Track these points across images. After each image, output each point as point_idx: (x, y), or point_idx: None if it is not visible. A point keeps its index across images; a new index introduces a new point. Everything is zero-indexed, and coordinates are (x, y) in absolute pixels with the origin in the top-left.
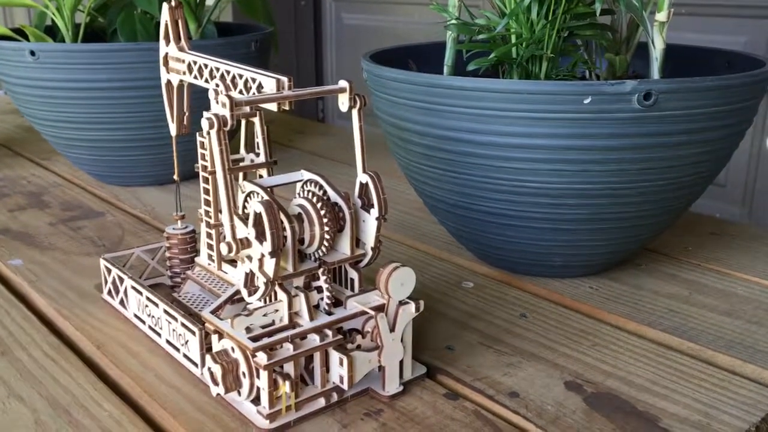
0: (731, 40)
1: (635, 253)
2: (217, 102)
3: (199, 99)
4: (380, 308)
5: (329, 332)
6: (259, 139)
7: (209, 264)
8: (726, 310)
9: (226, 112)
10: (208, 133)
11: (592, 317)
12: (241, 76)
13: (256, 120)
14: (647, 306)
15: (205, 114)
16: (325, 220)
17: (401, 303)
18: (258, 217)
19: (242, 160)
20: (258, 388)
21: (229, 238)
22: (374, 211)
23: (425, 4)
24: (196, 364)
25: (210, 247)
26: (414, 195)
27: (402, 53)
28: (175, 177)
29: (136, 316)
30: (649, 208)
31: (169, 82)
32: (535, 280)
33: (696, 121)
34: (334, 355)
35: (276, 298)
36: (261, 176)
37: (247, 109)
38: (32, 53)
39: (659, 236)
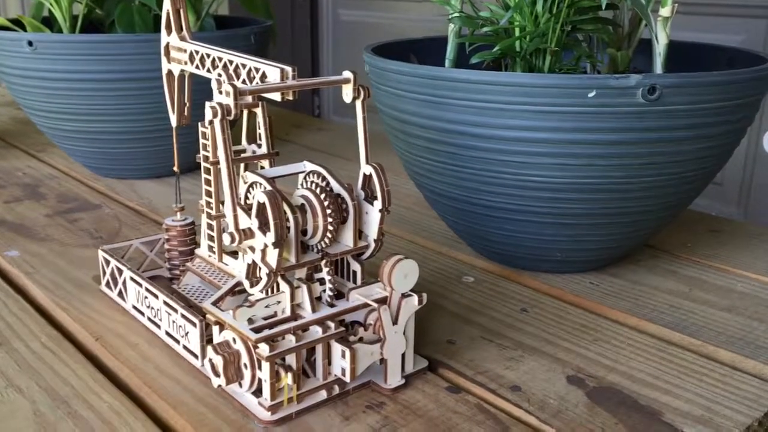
0: (728, 39)
1: (636, 249)
2: (221, 91)
3: (199, 91)
4: (383, 300)
5: (331, 324)
6: (261, 129)
7: (210, 256)
8: (726, 306)
9: (229, 101)
10: (211, 123)
11: (593, 312)
12: (244, 66)
13: (258, 110)
14: (648, 302)
15: (209, 103)
16: (328, 212)
17: (404, 295)
18: (261, 207)
19: (244, 151)
20: (260, 380)
21: (231, 229)
22: (377, 203)
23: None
24: (196, 356)
25: (211, 238)
26: (414, 189)
27: (403, 47)
28: (175, 168)
29: (134, 307)
30: (652, 203)
31: (170, 72)
32: (535, 274)
33: (700, 117)
34: (337, 348)
35: (278, 290)
36: (263, 167)
37: (250, 99)
38: (30, 44)
39: (659, 233)
